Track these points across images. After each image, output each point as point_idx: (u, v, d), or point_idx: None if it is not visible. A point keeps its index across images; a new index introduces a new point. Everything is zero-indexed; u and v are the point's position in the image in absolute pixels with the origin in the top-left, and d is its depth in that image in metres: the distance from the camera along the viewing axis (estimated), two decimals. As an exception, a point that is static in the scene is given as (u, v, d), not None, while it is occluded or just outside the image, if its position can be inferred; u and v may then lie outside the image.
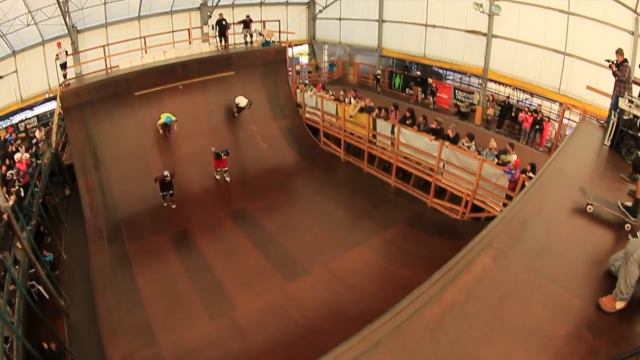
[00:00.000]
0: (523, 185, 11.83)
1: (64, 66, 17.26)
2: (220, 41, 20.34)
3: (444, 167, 14.71)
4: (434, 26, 24.89)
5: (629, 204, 6.44)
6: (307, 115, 20.73)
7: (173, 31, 21.82)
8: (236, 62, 19.20)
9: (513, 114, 20.29)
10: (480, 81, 22.94)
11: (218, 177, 16.59)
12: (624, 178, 7.96)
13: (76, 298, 11.38)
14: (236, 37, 21.41)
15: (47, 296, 10.63)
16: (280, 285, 11.08)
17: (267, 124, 19.06)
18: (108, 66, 17.57)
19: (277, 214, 14.73)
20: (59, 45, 17.73)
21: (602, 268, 5.23)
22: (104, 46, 17.58)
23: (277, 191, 16.18)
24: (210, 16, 25.08)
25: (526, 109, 19.86)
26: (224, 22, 20.16)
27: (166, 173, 14.16)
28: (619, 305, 4.48)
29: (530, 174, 12.06)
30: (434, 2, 24.73)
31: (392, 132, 16.41)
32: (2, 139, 20.36)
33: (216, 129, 17.70)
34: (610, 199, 6.80)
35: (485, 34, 21.82)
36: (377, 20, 28.48)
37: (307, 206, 15.44)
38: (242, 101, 17.70)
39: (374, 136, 17.48)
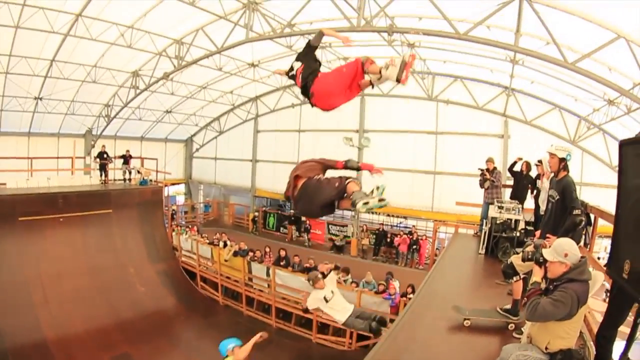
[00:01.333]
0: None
1: None
2: (101, 175, 20.40)
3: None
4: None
5: (509, 306, 6.59)
6: (183, 259, 20.75)
7: (58, 157, 22.00)
8: (115, 200, 19.03)
9: (388, 240, 21.74)
10: (353, 214, 24.44)
11: None
12: (499, 283, 8.04)
13: None
14: (116, 171, 21.46)
15: None
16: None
17: (144, 266, 18.63)
18: None
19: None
20: None
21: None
22: None
23: (160, 336, 15.62)
24: (93, 145, 25.31)
25: (401, 233, 21.47)
26: (105, 155, 20.33)
27: None
28: None
29: (411, 296, 12.51)
30: (305, 140, 27.24)
31: (268, 274, 17.02)
32: None
33: (94, 269, 16.97)
34: (489, 307, 6.96)
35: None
36: (251, 160, 30.18)
37: (192, 351, 15.06)
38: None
39: (250, 279, 17.93)
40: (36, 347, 13.44)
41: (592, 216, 7.34)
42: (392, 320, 12.78)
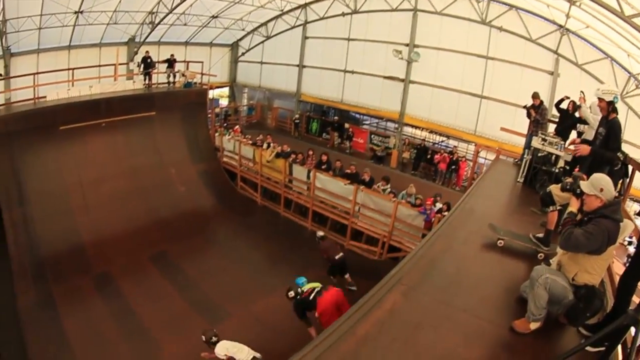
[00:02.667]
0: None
1: None
2: (145, 79, 20.26)
3: (359, 210, 15.37)
4: (352, 72, 26.29)
5: (541, 235, 6.65)
6: (224, 159, 20.91)
7: (100, 65, 21.62)
8: (158, 103, 19.13)
9: (429, 157, 21.48)
10: (397, 125, 24.23)
11: None
12: (535, 211, 8.12)
13: (7, 337, 10.81)
14: (160, 76, 21.35)
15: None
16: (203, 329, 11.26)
17: (185, 166, 19.03)
18: (36, 96, 17.08)
19: (197, 258, 14.76)
20: None
21: (514, 295, 5.44)
22: (33, 74, 17.05)
23: (196, 235, 16.20)
24: (136, 52, 25.04)
25: (442, 151, 21.17)
26: (149, 60, 20.15)
27: None
28: (534, 326, 4.67)
29: (445, 213, 12.30)
30: (354, 49, 26.24)
31: (308, 177, 16.95)
32: None
33: (135, 171, 17.47)
34: (522, 232, 6.99)
35: (402, 80, 23.24)
36: (297, 65, 29.55)
37: (226, 250, 15.55)
38: None
39: (290, 181, 17.96)
40: (73, 251, 14.15)
41: (629, 168, 7.45)
42: (424, 236, 12.72)
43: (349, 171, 16.44)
